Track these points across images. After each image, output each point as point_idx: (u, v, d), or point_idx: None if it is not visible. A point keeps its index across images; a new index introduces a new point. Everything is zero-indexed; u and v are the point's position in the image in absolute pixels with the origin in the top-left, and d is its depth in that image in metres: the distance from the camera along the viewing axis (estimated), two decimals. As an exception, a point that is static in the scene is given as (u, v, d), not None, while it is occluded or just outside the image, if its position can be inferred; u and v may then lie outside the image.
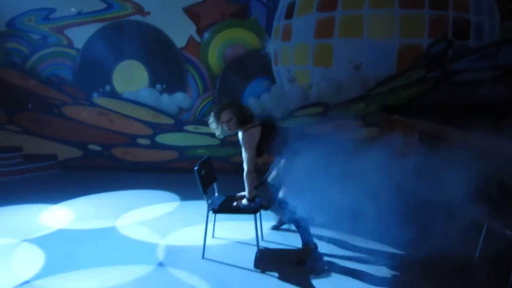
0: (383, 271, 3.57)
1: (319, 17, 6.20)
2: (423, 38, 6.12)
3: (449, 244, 3.99)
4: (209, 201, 3.84)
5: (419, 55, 6.18)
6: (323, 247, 3.91)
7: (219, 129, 3.77)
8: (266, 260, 3.79)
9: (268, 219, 4.57)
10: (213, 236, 4.22)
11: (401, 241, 3.88)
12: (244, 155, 3.69)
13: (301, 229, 3.75)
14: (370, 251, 3.90)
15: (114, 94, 6.64)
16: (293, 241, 4.12)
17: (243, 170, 3.72)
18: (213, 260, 3.77)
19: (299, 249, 3.81)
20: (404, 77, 6.26)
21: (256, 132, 3.70)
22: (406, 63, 6.20)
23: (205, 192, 3.75)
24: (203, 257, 3.80)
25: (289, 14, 6.26)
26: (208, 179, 3.94)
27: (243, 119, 3.70)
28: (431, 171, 4.49)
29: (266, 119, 3.91)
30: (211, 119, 3.79)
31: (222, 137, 3.92)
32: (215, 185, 4.17)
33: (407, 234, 3.89)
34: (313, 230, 3.83)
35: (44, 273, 3.57)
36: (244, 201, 3.81)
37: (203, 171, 3.81)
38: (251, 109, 3.84)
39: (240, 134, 3.79)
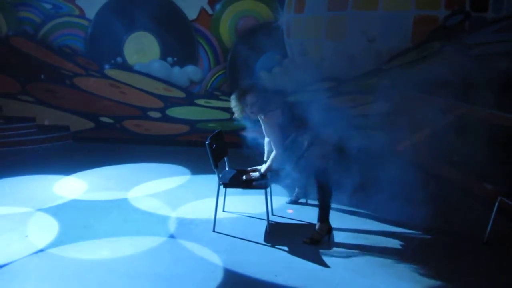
0: (393, 248, 3.59)
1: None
2: (440, 10, 5.95)
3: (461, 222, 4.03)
4: (220, 175, 3.86)
5: (434, 28, 6.03)
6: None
7: (240, 111, 3.67)
8: (276, 234, 3.83)
9: (279, 194, 4.61)
10: (223, 210, 4.26)
11: (414, 218, 3.91)
12: (271, 139, 3.69)
13: (322, 202, 3.66)
14: (382, 229, 3.92)
15: (125, 66, 6.63)
16: (303, 216, 4.18)
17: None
18: (224, 234, 3.82)
19: (314, 229, 3.70)
20: (419, 50, 6.12)
21: (276, 114, 3.62)
22: (422, 35, 6.06)
23: (216, 166, 3.77)
24: (213, 230, 3.85)
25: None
26: (219, 153, 3.96)
27: (267, 104, 3.62)
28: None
29: (285, 102, 3.83)
30: (234, 100, 3.69)
31: (241, 118, 3.81)
32: (226, 159, 4.19)
33: (421, 211, 3.93)
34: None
35: (58, 242, 3.65)
36: (256, 174, 3.83)
37: (214, 145, 3.82)
38: (274, 95, 3.78)
39: (261, 121, 3.74)
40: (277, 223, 4.06)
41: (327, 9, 6.13)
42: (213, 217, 3.88)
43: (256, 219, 4.12)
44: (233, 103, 3.69)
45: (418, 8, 5.96)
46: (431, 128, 5.46)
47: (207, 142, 3.71)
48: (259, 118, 3.74)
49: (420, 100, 5.77)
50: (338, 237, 3.76)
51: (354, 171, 3.95)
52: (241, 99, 3.63)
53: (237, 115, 3.73)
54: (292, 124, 3.63)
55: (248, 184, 3.84)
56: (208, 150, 3.72)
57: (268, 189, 3.92)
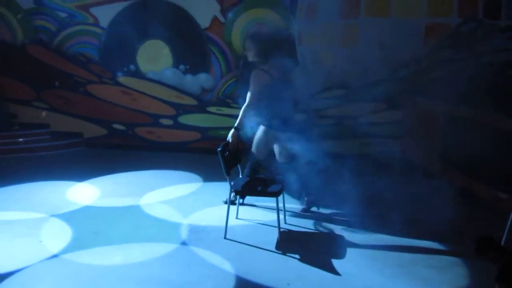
0: (406, 259, 3.56)
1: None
2: (452, 17, 5.92)
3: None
4: (232, 183, 3.86)
5: (447, 35, 6.00)
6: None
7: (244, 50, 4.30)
8: (288, 242, 3.82)
9: (291, 202, 4.60)
10: (236, 217, 4.26)
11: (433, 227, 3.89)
12: (250, 91, 4.08)
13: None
14: (394, 242, 3.89)
15: (138, 74, 6.69)
16: (315, 225, 4.18)
17: None
18: (236, 241, 3.82)
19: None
20: (431, 58, 6.10)
21: (264, 76, 4.05)
22: (434, 43, 6.03)
23: (227, 173, 3.78)
24: (225, 237, 3.85)
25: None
26: (231, 160, 3.97)
27: (261, 52, 4.09)
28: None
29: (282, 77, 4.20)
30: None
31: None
32: (239, 166, 4.21)
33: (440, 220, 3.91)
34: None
35: (71, 247, 3.68)
36: (231, 131, 4.08)
37: (227, 152, 3.84)
38: (274, 54, 4.15)
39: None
40: (289, 231, 4.05)
41: (339, 16, 6.14)
42: (224, 224, 3.88)
43: (268, 227, 4.12)
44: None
45: (431, 16, 5.94)
46: (443, 134, 5.44)
47: (219, 149, 3.73)
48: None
49: (431, 107, 5.75)
50: (352, 250, 3.74)
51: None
52: (245, 41, 4.25)
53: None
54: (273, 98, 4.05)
55: (260, 192, 3.85)
56: (220, 157, 3.73)
57: (280, 197, 3.92)
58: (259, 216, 4.36)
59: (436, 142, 5.50)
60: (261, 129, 4.33)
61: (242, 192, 3.90)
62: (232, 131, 4.13)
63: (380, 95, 6.24)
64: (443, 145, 5.41)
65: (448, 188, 4.92)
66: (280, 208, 3.91)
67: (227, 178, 3.80)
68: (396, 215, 4.18)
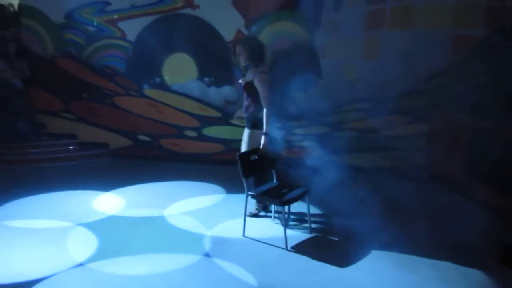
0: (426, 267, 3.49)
1: (368, 9, 6.07)
2: (479, 29, 5.82)
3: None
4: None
5: (474, 47, 5.91)
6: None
7: (234, 56, 4.46)
8: (312, 253, 3.79)
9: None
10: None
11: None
12: (263, 96, 4.24)
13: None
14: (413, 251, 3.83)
15: (163, 86, 6.81)
16: (338, 237, 4.13)
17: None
18: (259, 251, 3.83)
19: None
20: (458, 70, 6.01)
21: (266, 77, 4.26)
22: (460, 56, 5.95)
23: (245, 176, 3.99)
24: (243, 235, 4.05)
25: (338, 6, 6.16)
26: (260, 165, 4.23)
27: (251, 57, 4.28)
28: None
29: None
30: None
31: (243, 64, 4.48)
32: (273, 172, 4.41)
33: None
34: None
35: (97, 256, 3.74)
36: (263, 137, 4.24)
37: (256, 157, 4.14)
38: (264, 54, 4.37)
39: (250, 77, 4.33)
40: (314, 240, 4.02)
41: (363, 29, 6.14)
42: (248, 238, 3.91)
43: (293, 238, 4.10)
44: (231, 51, 4.53)
45: (457, 28, 5.87)
46: (468, 147, 5.34)
47: (237, 154, 4.01)
48: (253, 73, 4.31)
49: (457, 120, 5.66)
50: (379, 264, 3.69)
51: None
52: (234, 48, 4.40)
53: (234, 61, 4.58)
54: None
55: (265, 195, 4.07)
56: (238, 160, 3.96)
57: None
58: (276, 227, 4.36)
59: (461, 155, 5.40)
60: (246, 131, 4.52)
61: (256, 196, 4.11)
62: (263, 137, 4.26)
63: (404, 108, 6.19)
64: (468, 158, 5.31)
65: (473, 201, 4.84)
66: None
67: (244, 180, 4.01)
68: (421, 228, 4.14)
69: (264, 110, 4.26)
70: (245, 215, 4.20)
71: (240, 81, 4.52)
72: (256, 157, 4.17)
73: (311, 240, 4.12)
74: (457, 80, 6.01)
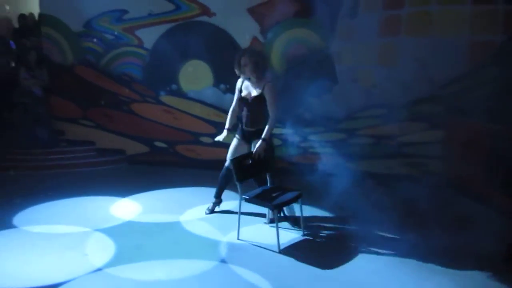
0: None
1: (384, 15, 6.06)
2: (496, 34, 5.76)
3: None
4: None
5: (491, 53, 5.84)
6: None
7: (238, 68, 4.47)
8: (327, 254, 3.78)
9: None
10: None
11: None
12: (273, 104, 4.37)
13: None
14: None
15: (179, 93, 6.88)
16: (357, 246, 4.12)
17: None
18: (273, 258, 3.85)
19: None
20: (475, 76, 5.94)
21: (275, 85, 4.47)
22: (478, 61, 5.89)
23: (238, 179, 4.13)
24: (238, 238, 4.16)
25: (354, 12, 6.17)
26: (254, 169, 4.35)
27: (256, 68, 4.36)
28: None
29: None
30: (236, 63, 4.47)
31: (242, 78, 4.59)
32: (268, 176, 4.48)
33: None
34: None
35: (114, 261, 3.80)
36: (259, 142, 4.33)
37: (250, 161, 4.28)
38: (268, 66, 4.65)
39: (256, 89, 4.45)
40: (331, 243, 4.01)
41: (378, 35, 6.12)
42: (263, 242, 3.91)
43: (306, 242, 4.10)
44: (235, 62, 4.48)
45: (474, 33, 5.81)
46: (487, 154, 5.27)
47: (231, 159, 4.19)
48: (257, 85, 4.44)
49: (475, 127, 5.60)
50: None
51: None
52: (238, 61, 4.44)
53: (237, 72, 4.55)
54: None
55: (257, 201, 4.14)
56: (232, 166, 4.18)
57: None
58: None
59: (479, 161, 5.33)
60: (235, 139, 4.69)
61: (250, 200, 4.21)
62: (260, 142, 4.35)
63: (421, 114, 6.14)
64: (486, 164, 5.24)
65: (491, 208, 4.78)
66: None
67: (237, 184, 4.18)
68: (437, 235, 4.10)
69: (272, 117, 4.39)
70: (239, 218, 4.29)
71: (243, 95, 4.58)
72: (250, 161, 4.32)
73: (325, 245, 4.13)
74: (474, 86, 5.94)
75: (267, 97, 4.39)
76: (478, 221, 4.40)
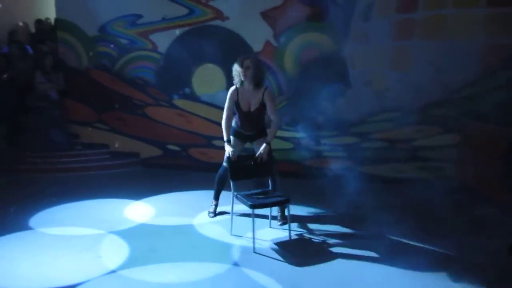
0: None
1: (398, 19, 6.03)
2: (511, 38, 5.67)
3: None
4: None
5: (507, 56, 5.77)
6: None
7: (238, 75, 4.46)
8: (343, 259, 3.77)
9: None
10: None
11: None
12: (274, 108, 4.50)
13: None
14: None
15: (192, 96, 6.92)
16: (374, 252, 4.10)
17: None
18: (286, 262, 3.84)
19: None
20: (489, 79, 5.88)
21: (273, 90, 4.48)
22: (493, 64, 5.82)
23: (232, 177, 4.30)
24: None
25: (367, 16, 6.15)
26: (253, 170, 4.45)
27: (258, 74, 4.40)
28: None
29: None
30: (236, 65, 4.48)
31: (238, 84, 4.56)
32: (270, 179, 4.58)
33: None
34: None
35: (128, 264, 3.82)
36: (263, 145, 4.41)
37: (252, 162, 4.39)
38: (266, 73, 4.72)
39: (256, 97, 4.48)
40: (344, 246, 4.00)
41: (392, 39, 6.10)
42: (276, 246, 3.90)
43: (317, 244, 4.09)
44: (235, 66, 4.49)
45: (489, 36, 5.75)
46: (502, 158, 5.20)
47: (228, 156, 4.41)
48: (256, 92, 4.47)
49: (490, 131, 5.53)
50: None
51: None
52: (242, 62, 4.42)
53: (234, 76, 4.54)
54: None
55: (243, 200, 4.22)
56: (227, 164, 4.42)
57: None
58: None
59: (495, 165, 5.27)
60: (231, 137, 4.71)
61: (240, 198, 4.31)
62: (264, 145, 4.44)
63: (435, 118, 6.09)
64: (502, 168, 5.18)
65: (507, 212, 4.72)
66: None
67: (231, 182, 4.33)
68: (454, 240, 4.07)
69: (275, 121, 4.53)
70: (232, 214, 4.50)
71: (241, 106, 4.56)
72: (252, 163, 4.40)
73: (339, 250, 4.09)
74: (488, 89, 5.88)
75: (268, 102, 4.48)
76: (494, 226, 4.35)
